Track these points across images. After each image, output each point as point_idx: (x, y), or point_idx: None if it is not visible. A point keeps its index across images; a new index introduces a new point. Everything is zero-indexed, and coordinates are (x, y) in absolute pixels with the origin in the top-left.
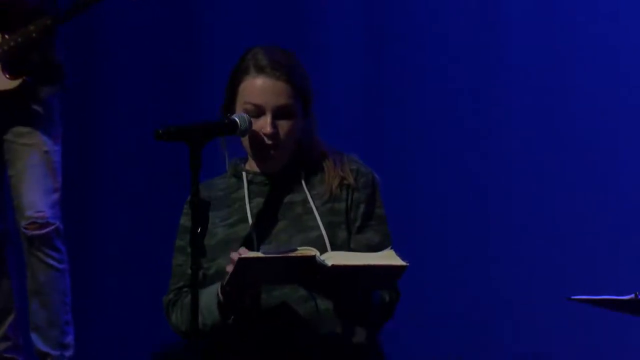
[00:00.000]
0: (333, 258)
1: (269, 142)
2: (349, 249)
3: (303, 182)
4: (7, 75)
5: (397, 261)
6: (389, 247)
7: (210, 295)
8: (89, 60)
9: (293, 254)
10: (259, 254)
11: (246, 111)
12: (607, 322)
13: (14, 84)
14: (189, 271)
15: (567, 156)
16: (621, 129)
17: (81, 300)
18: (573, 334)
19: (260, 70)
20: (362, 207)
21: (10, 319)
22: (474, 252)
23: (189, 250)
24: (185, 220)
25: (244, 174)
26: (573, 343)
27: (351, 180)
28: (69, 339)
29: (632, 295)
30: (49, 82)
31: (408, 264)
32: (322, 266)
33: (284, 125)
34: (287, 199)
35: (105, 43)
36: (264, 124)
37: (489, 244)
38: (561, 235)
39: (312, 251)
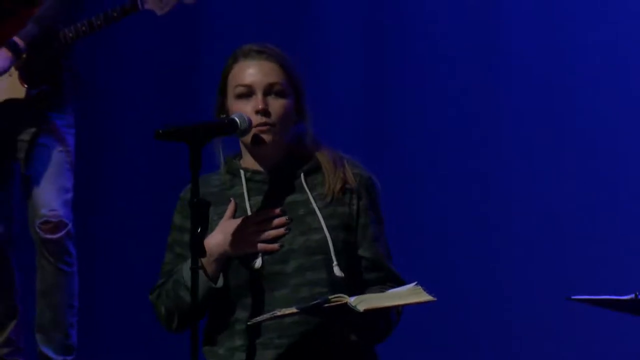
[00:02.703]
0: (363, 302)
1: (261, 119)
2: (351, 253)
3: (303, 182)
4: (25, 85)
5: (426, 297)
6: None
7: (187, 267)
8: (88, 60)
9: (327, 305)
10: (294, 310)
11: (237, 95)
12: (607, 322)
13: (22, 92)
14: (175, 269)
15: (567, 156)
16: (621, 129)
17: (82, 302)
18: (573, 334)
19: (247, 54)
20: (371, 215)
21: (14, 322)
22: (474, 252)
23: (177, 249)
24: (177, 218)
25: (241, 171)
26: (573, 343)
27: (354, 185)
28: (72, 342)
29: (632, 295)
30: (67, 91)
31: (436, 299)
32: (355, 312)
33: (275, 103)
34: (288, 198)
35: (105, 43)
36: (255, 103)
37: (489, 244)
38: (561, 235)
39: (343, 298)
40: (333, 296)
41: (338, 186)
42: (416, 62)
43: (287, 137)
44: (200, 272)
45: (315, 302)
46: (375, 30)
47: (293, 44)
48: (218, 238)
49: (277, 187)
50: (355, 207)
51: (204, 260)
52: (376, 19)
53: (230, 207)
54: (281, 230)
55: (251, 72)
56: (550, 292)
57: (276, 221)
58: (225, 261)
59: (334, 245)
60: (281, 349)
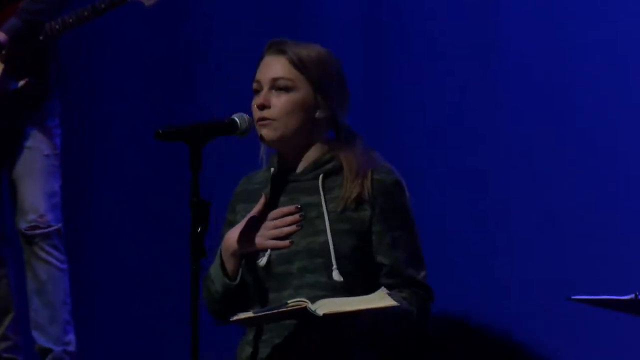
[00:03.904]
0: (324, 306)
1: (260, 114)
2: (361, 258)
3: (320, 185)
4: (11, 78)
5: (389, 302)
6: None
7: (216, 261)
8: (87, 59)
9: (283, 309)
10: (250, 314)
11: (254, 91)
12: (607, 322)
13: None
14: None
15: (567, 155)
16: (622, 128)
17: (81, 301)
18: (573, 334)
19: (266, 50)
20: (389, 222)
21: (10, 318)
22: (473, 251)
23: None
24: (228, 213)
25: (272, 169)
26: (573, 343)
27: (370, 193)
28: (70, 337)
29: (632, 295)
30: (53, 83)
31: (399, 304)
32: (314, 316)
33: (277, 98)
34: (302, 200)
35: (103, 41)
36: (259, 98)
37: (488, 243)
38: (561, 234)
39: (303, 302)
40: (292, 300)
41: (353, 195)
42: (415, 59)
43: (299, 134)
44: (220, 269)
45: (271, 306)
46: (374, 27)
47: (291, 40)
48: (236, 233)
49: (293, 187)
50: (369, 213)
51: (223, 255)
52: (375, 16)
53: (260, 203)
54: (293, 227)
55: (263, 67)
56: (550, 292)
57: (288, 219)
58: (241, 257)
59: (336, 249)
60: (278, 348)
